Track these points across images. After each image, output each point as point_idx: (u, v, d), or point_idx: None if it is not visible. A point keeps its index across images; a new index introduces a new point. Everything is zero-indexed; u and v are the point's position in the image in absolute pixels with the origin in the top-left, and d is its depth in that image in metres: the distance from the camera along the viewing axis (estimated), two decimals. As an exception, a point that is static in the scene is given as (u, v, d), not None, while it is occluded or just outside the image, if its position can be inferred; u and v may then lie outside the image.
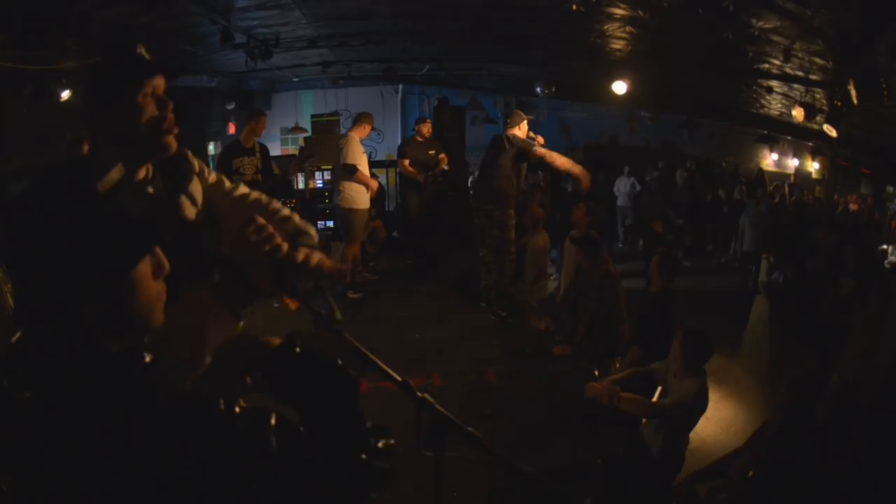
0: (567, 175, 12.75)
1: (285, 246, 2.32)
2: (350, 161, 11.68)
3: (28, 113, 12.00)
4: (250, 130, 11.03)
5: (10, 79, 11.08)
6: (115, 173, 1.88)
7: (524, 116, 10.86)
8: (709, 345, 6.53)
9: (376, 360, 2.39)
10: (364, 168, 11.85)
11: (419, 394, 2.44)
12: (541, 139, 11.00)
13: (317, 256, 2.45)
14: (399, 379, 2.40)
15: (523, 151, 10.58)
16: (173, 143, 2.90)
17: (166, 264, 1.92)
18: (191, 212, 3.03)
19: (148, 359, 1.79)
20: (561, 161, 10.75)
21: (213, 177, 3.30)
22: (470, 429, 2.47)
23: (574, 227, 10.30)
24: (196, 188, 3.11)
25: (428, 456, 2.52)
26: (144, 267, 1.85)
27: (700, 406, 6.46)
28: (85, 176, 1.90)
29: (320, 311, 2.29)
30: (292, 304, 2.33)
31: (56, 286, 1.72)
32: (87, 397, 1.61)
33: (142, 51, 2.80)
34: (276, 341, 2.31)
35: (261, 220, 2.28)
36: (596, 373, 8.70)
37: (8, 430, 1.66)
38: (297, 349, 2.26)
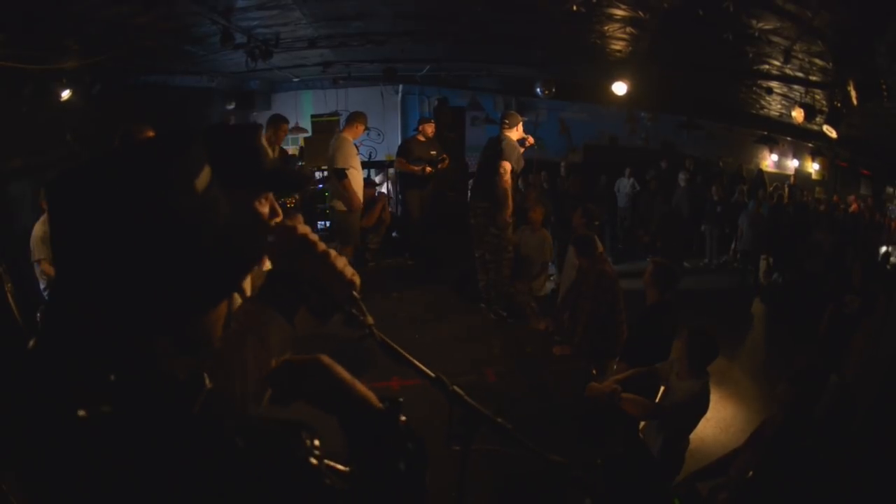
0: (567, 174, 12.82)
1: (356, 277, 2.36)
2: (340, 165, 11.63)
3: (28, 112, 11.99)
4: (267, 139, 10.93)
5: (10, 78, 11.07)
6: (208, 172, 1.55)
7: (520, 118, 10.83)
8: (713, 347, 6.54)
9: (408, 356, 2.38)
10: (357, 169, 11.81)
11: (452, 388, 2.43)
12: (531, 140, 11.03)
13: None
14: (432, 375, 2.39)
15: (517, 162, 10.59)
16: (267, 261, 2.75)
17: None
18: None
19: (209, 384, 1.61)
20: (504, 189, 10.60)
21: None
22: (500, 420, 2.45)
23: (574, 230, 10.31)
24: (248, 283, 2.85)
25: (455, 450, 2.52)
26: None
27: (701, 407, 6.46)
28: (173, 166, 1.58)
29: (352, 312, 2.30)
30: None
31: (133, 299, 1.50)
32: (147, 429, 1.42)
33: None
34: (373, 396, 2.16)
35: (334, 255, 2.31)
36: (594, 372, 8.71)
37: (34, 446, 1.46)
38: (401, 418, 2.13)
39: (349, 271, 2.33)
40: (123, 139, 6.11)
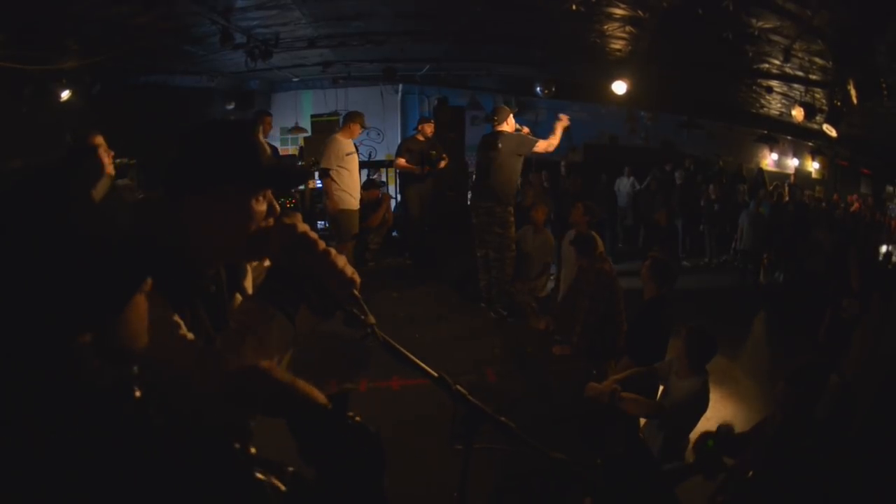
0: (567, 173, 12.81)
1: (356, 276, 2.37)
2: (324, 164, 11.65)
3: (28, 113, 12.01)
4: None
5: (10, 78, 11.09)
6: (106, 181, 1.50)
7: (509, 110, 10.90)
8: (713, 345, 6.56)
9: (410, 356, 2.40)
10: (349, 170, 11.83)
11: (455, 387, 2.44)
12: (526, 129, 11.07)
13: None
14: (435, 374, 2.41)
15: (522, 146, 10.61)
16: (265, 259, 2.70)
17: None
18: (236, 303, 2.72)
19: (138, 393, 1.56)
20: (553, 140, 11.08)
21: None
22: (503, 418, 2.47)
23: (573, 226, 10.31)
24: (249, 281, 2.86)
25: (458, 448, 2.52)
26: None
27: (700, 406, 6.46)
28: (77, 178, 1.53)
29: (352, 311, 2.30)
30: None
31: (36, 313, 1.45)
32: (70, 441, 1.39)
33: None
34: (317, 394, 2.12)
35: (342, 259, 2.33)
36: (594, 372, 8.71)
37: None
38: (351, 416, 2.11)
39: (349, 270, 2.33)
40: (75, 142, 6.22)
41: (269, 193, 2.44)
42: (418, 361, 2.37)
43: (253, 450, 1.65)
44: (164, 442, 1.49)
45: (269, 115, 12.09)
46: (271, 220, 2.44)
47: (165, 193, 2.44)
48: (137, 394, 1.56)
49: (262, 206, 2.41)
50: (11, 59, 10.18)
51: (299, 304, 2.31)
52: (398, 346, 2.36)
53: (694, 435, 6.78)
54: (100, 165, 1.61)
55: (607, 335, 8.98)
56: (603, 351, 9.04)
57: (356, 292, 2.36)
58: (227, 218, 2.37)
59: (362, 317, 2.32)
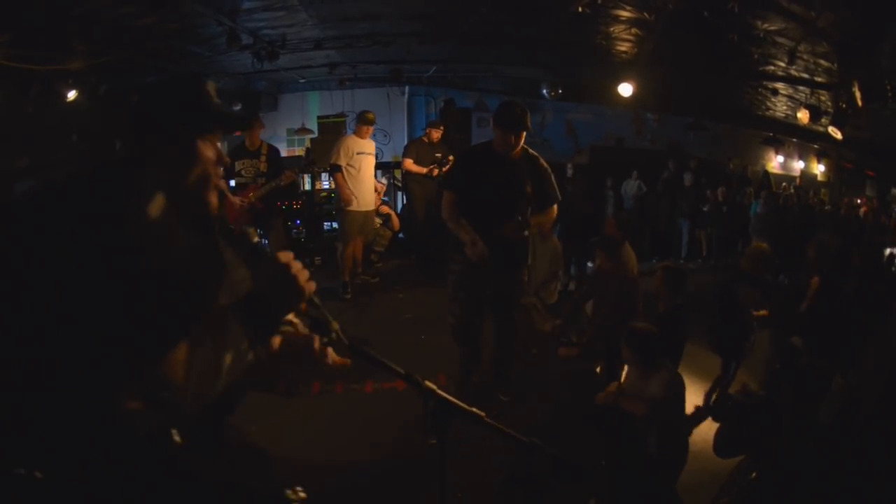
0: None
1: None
2: (333, 161, 11.74)
3: (34, 112, 12.04)
4: (248, 134, 11.05)
5: (17, 79, 11.12)
6: (161, 199, 1.57)
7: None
8: (652, 336, 6.60)
9: (376, 356, 2.43)
10: (357, 168, 11.85)
11: (425, 383, 2.48)
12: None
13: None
14: (402, 371, 2.44)
15: None
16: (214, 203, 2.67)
17: None
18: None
19: (178, 438, 1.49)
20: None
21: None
22: (474, 409, 2.52)
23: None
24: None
25: (432, 444, 2.55)
26: None
27: (679, 391, 6.48)
28: (122, 192, 1.47)
29: (321, 317, 2.34)
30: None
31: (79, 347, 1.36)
32: (112, 489, 1.33)
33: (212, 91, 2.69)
34: None
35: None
36: (598, 371, 8.72)
37: None
38: None
39: (303, 277, 2.35)
40: (81, 143, 6.04)
41: (216, 139, 2.54)
42: (387, 361, 2.43)
43: None
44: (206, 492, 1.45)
45: (258, 117, 12.26)
46: (220, 170, 2.54)
47: (125, 143, 2.52)
48: (178, 439, 1.49)
49: (209, 151, 2.49)
50: (18, 59, 10.21)
51: (269, 334, 2.37)
52: (365, 350, 2.41)
53: (697, 436, 6.80)
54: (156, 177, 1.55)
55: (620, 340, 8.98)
56: (619, 353, 9.04)
57: (315, 299, 2.40)
58: (175, 159, 2.41)
59: (326, 321, 2.38)
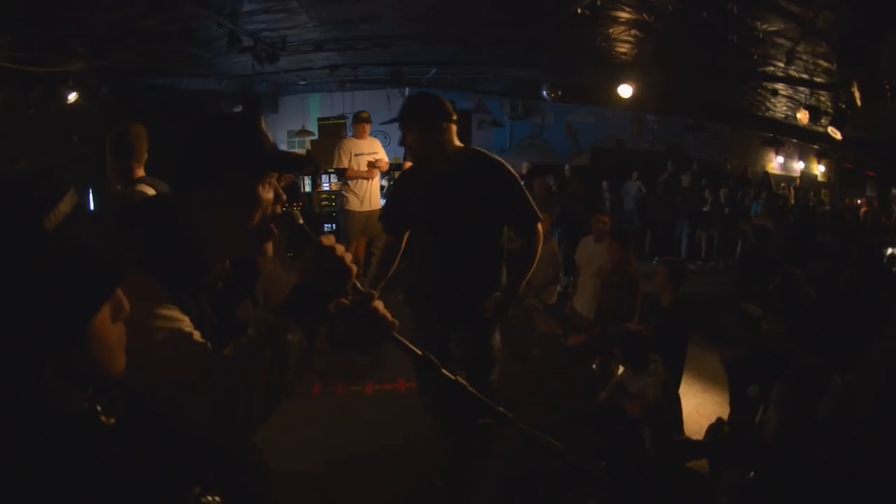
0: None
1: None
2: (336, 165, 11.96)
3: (35, 114, 12.07)
4: None
5: (17, 80, 11.14)
6: (67, 204, 1.50)
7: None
8: (638, 337, 6.73)
9: (408, 344, 2.52)
10: (360, 169, 11.97)
11: (452, 376, 2.50)
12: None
13: None
14: (436, 362, 2.48)
15: None
16: (271, 249, 2.64)
17: (126, 305, 1.64)
18: (249, 314, 2.69)
19: (111, 420, 1.54)
20: None
21: (273, 267, 2.96)
22: (500, 409, 2.54)
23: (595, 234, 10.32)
24: (260, 289, 2.84)
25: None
26: (103, 311, 1.56)
27: (672, 388, 6.57)
28: (28, 203, 1.45)
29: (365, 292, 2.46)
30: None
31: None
32: (34, 470, 1.34)
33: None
34: None
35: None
36: (594, 366, 8.77)
37: None
38: None
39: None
40: (120, 139, 5.83)
41: (274, 181, 2.44)
42: (425, 353, 2.50)
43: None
44: (134, 476, 1.46)
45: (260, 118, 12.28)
46: (278, 208, 2.45)
47: (171, 187, 2.48)
48: (110, 420, 1.53)
49: (269, 194, 2.41)
50: (18, 61, 10.23)
51: (322, 324, 2.33)
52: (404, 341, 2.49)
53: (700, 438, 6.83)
54: (63, 184, 1.57)
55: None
56: (608, 351, 9.08)
57: (356, 282, 2.42)
58: (234, 206, 2.36)
59: (371, 295, 2.48)
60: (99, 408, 1.53)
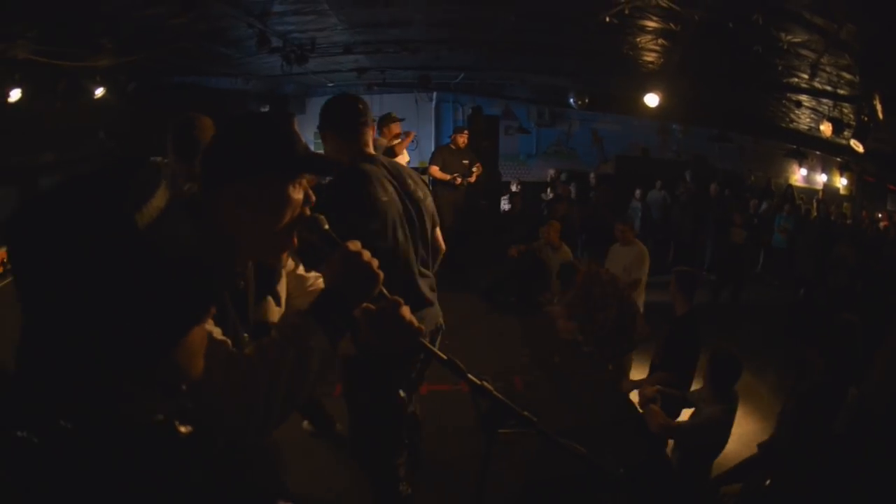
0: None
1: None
2: None
3: (61, 108, 12.16)
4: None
5: (44, 74, 11.24)
6: (160, 199, 1.41)
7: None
8: (736, 366, 6.46)
9: (435, 350, 2.51)
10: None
11: (478, 381, 2.47)
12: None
13: None
14: (462, 368, 2.46)
15: None
16: (287, 260, 2.78)
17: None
18: (274, 314, 2.75)
19: (184, 430, 1.37)
20: None
21: (293, 266, 3.00)
22: (525, 413, 2.51)
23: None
24: (283, 286, 2.85)
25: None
26: None
27: (719, 433, 6.42)
28: (120, 196, 1.35)
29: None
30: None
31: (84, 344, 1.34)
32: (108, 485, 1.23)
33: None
34: None
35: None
36: (610, 368, 8.81)
37: None
38: None
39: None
40: (184, 134, 5.42)
41: (304, 182, 2.45)
42: (455, 360, 2.48)
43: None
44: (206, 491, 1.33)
45: (294, 115, 12.25)
46: (307, 210, 2.46)
47: (201, 185, 2.45)
48: (184, 430, 1.38)
49: (299, 195, 2.42)
50: (45, 54, 10.32)
51: (345, 331, 2.35)
52: (428, 344, 2.51)
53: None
54: (156, 178, 1.47)
55: (623, 332, 9.03)
56: (620, 349, 9.12)
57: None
58: (265, 205, 2.36)
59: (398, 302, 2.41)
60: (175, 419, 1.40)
